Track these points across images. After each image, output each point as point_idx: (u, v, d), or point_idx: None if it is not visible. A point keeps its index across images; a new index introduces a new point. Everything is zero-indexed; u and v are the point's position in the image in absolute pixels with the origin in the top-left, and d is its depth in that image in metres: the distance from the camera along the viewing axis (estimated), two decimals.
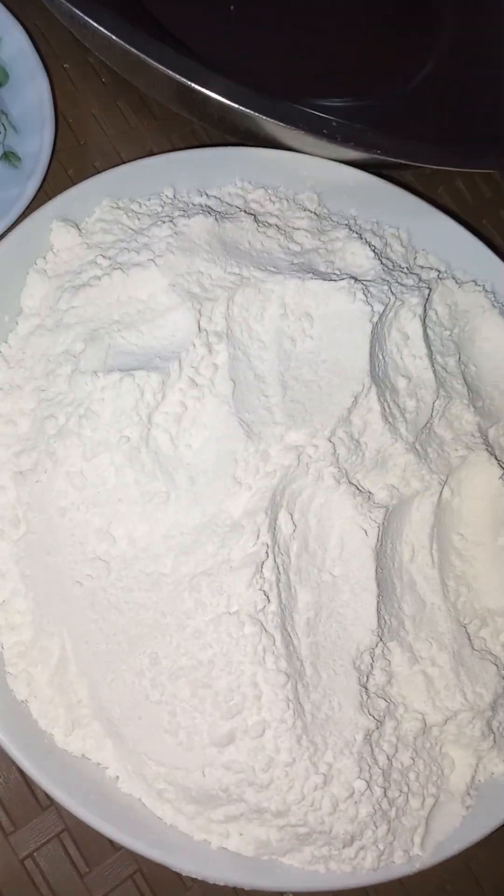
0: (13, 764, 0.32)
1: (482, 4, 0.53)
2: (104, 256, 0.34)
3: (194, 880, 0.33)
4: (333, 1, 0.51)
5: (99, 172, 0.41)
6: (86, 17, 0.33)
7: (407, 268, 0.40)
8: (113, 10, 0.34)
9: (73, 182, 0.41)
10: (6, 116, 0.39)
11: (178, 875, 0.33)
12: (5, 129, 0.39)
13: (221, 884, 0.28)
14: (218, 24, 0.47)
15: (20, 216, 0.36)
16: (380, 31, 0.52)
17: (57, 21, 0.42)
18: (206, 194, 0.38)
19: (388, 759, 0.31)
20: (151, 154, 0.43)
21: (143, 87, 0.41)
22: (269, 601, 0.30)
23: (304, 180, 0.40)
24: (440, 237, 0.42)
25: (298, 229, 0.38)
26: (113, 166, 0.42)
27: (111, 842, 0.33)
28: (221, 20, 0.47)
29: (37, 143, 0.38)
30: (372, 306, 0.34)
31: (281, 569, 0.31)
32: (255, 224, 0.36)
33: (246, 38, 0.47)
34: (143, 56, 0.33)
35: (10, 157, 0.38)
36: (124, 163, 0.42)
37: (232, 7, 0.48)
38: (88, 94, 0.43)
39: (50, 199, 0.37)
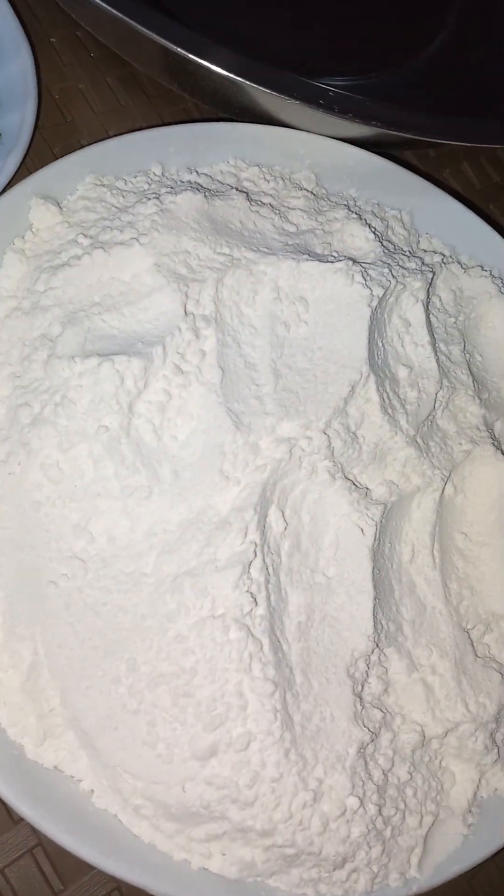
0: None
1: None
2: (85, 235, 0.32)
3: None
4: None
5: None
6: None
7: (409, 251, 0.38)
8: None
9: (58, 158, 0.39)
10: None
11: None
12: None
13: None
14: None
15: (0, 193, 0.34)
16: (386, 6, 0.50)
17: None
18: (197, 172, 0.36)
19: (383, 773, 0.29)
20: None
21: (133, 60, 0.39)
22: (256, 604, 0.28)
23: (301, 159, 0.38)
24: (445, 220, 0.40)
25: (294, 209, 0.36)
26: None
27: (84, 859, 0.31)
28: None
29: (18, 117, 0.36)
30: (371, 290, 0.32)
31: (270, 569, 0.29)
32: (248, 202, 0.34)
33: (245, 12, 0.45)
34: (131, 22, 0.31)
35: None
36: None
37: None
38: (76, 69, 0.41)
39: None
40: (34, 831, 0.31)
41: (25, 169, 0.36)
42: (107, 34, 0.38)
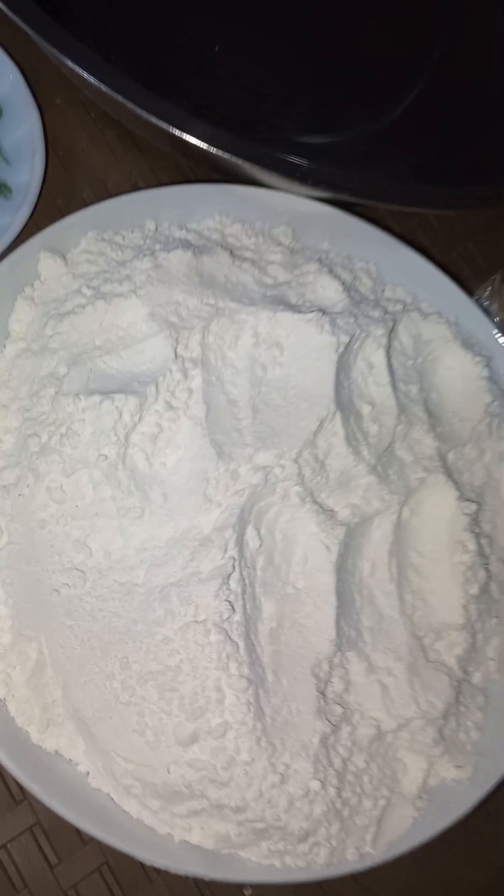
0: None
1: (469, 43, 0.55)
2: (88, 286, 0.36)
3: (158, 874, 0.35)
4: (313, 41, 0.54)
5: (86, 202, 0.44)
6: (74, 65, 0.36)
7: (374, 300, 0.43)
8: (99, 55, 0.36)
9: (62, 211, 0.44)
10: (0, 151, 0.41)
11: (143, 868, 0.35)
12: None
13: (183, 874, 0.30)
14: (202, 62, 0.50)
15: (10, 244, 0.39)
16: (358, 69, 0.54)
17: (49, 60, 0.44)
18: (187, 228, 0.40)
19: (342, 761, 0.33)
20: (137, 185, 0.46)
21: (128, 125, 0.44)
22: (234, 611, 0.32)
23: (280, 215, 0.42)
24: (407, 271, 0.44)
25: (272, 263, 0.40)
26: (100, 196, 0.44)
27: (80, 835, 0.35)
28: (206, 59, 0.50)
29: (27, 175, 0.40)
30: (338, 338, 0.37)
31: (247, 581, 0.33)
32: (231, 258, 0.39)
33: (228, 76, 0.50)
34: (127, 102, 0.36)
35: (1, 188, 0.40)
36: (110, 194, 0.45)
37: (217, 48, 0.51)
38: (78, 128, 0.46)
39: (39, 227, 0.40)
40: (32, 811, 0.34)
41: (33, 221, 0.40)
42: (105, 103, 0.42)
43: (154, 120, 0.34)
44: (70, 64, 0.35)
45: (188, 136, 0.34)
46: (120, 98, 0.35)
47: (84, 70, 0.35)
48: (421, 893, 0.40)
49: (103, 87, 0.34)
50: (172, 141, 0.38)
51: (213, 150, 0.35)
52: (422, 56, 0.55)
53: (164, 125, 0.34)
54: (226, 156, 0.35)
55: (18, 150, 0.41)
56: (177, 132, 0.34)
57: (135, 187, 0.46)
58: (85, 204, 0.44)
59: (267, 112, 0.49)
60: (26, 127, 0.41)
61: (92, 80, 0.34)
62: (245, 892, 0.37)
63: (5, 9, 0.36)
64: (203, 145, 0.35)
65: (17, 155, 0.41)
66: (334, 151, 0.51)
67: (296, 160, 0.36)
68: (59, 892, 0.34)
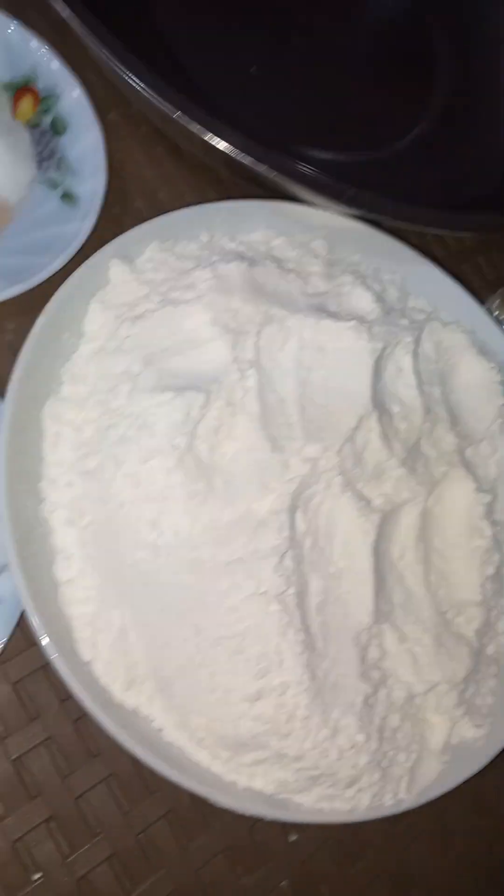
0: (68, 718, 0.38)
1: (476, 69, 0.60)
2: (156, 293, 0.40)
3: (216, 818, 0.40)
4: (336, 66, 0.58)
5: (141, 211, 0.48)
6: (136, 80, 0.39)
7: (401, 309, 0.47)
8: (157, 74, 0.40)
9: (119, 219, 0.47)
10: (65, 161, 0.45)
11: (202, 815, 0.39)
12: (64, 173, 0.44)
13: (248, 814, 0.35)
14: (236, 83, 0.54)
15: (77, 251, 0.42)
16: (374, 94, 0.59)
17: (104, 77, 0.48)
18: (237, 241, 0.44)
19: (381, 719, 0.38)
20: (184, 197, 0.49)
21: (178, 141, 0.48)
22: (289, 585, 0.36)
23: (317, 229, 0.47)
24: (429, 283, 0.49)
25: (312, 274, 0.45)
26: (151, 207, 0.48)
27: (147, 786, 0.39)
28: (242, 80, 0.54)
29: (91, 185, 0.44)
30: (374, 344, 0.41)
31: (298, 560, 0.38)
32: (279, 269, 0.43)
33: (259, 95, 0.54)
34: (187, 123, 0.40)
35: (68, 197, 0.44)
36: (161, 205, 0.48)
37: (252, 69, 0.55)
38: (130, 142, 0.49)
39: (99, 234, 0.43)
40: (106, 764, 0.38)
41: (94, 229, 0.44)
42: (157, 119, 0.46)
43: (228, 150, 0.38)
44: (137, 82, 0.38)
45: (253, 159, 0.38)
46: (186, 123, 0.39)
47: (150, 90, 0.39)
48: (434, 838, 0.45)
49: (171, 110, 0.38)
50: (225, 159, 0.42)
51: (271, 172, 0.40)
52: (430, 92, 0.60)
53: (227, 147, 0.38)
54: (285, 179, 0.39)
55: (82, 162, 0.44)
56: (241, 155, 0.38)
57: (182, 198, 0.49)
58: (139, 212, 0.48)
59: (287, 126, 0.53)
60: (90, 140, 0.44)
61: (158, 99, 0.38)
62: (290, 838, 0.41)
63: (86, 36, 0.39)
64: (262, 169, 0.39)
65: (82, 166, 0.44)
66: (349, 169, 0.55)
67: (341, 183, 0.40)
68: (132, 835, 0.38)
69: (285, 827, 0.41)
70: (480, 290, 0.55)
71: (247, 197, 0.46)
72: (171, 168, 0.50)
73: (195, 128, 0.40)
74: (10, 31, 0.44)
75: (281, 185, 0.44)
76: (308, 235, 0.47)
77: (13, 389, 0.36)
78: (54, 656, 0.33)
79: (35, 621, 0.34)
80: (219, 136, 0.40)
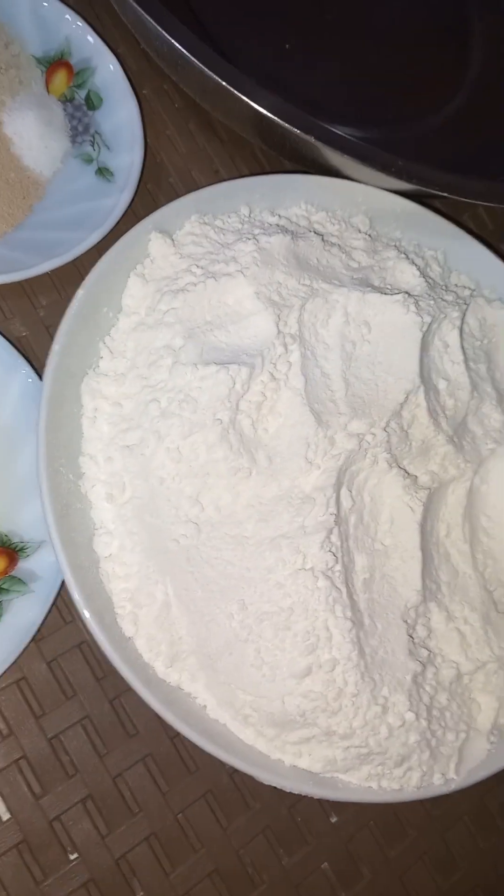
0: (104, 697, 0.37)
1: None
2: (198, 266, 0.39)
3: (257, 801, 0.39)
4: (371, 40, 0.57)
5: (174, 187, 0.47)
6: (182, 50, 0.39)
7: (444, 285, 0.46)
8: (200, 39, 0.39)
9: (152, 194, 0.47)
10: (100, 136, 0.44)
11: (242, 796, 0.39)
12: (99, 148, 0.44)
13: (295, 792, 0.34)
14: (271, 59, 0.53)
15: (113, 226, 0.41)
16: (411, 66, 0.58)
17: (137, 49, 0.47)
18: (278, 215, 0.43)
19: (430, 698, 0.37)
20: (218, 172, 0.49)
21: (217, 114, 0.47)
22: (336, 561, 0.36)
23: (358, 205, 0.46)
24: (471, 259, 0.48)
25: (356, 249, 0.44)
26: (185, 182, 0.47)
27: (186, 766, 0.38)
28: (276, 56, 0.53)
29: (128, 159, 0.43)
30: (422, 318, 0.40)
31: (344, 536, 0.37)
32: (322, 243, 0.42)
33: (293, 71, 0.53)
34: (232, 90, 0.39)
35: (103, 171, 0.43)
36: (194, 180, 0.48)
37: (287, 45, 0.54)
38: (164, 117, 0.48)
39: (133, 210, 0.43)
40: (145, 744, 0.38)
41: (130, 205, 0.43)
42: (196, 91, 0.45)
43: (268, 114, 0.37)
44: (183, 51, 0.38)
45: (300, 130, 0.37)
46: (232, 90, 0.38)
47: (197, 59, 0.38)
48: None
49: (217, 79, 0.38)
50: (268, 131, 0.41)
51: (318, 143, 0.39)
52: (467, 62, 0.59)
53: (277, 120, 0.38)
54: (329, 149, 0.38)
55: (118, 136, 0.44)
56: (289, 127, 0.38)
57: (216, 174, 0.49)
58: (172, 188, 0.47)
59: (325, 103, 0.52)
60: (125, 114, 0.44)
61: (205, 69, 0.37)
62: (331, 819, 0.40)
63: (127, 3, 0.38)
64: (311, 139, 0.39)
65: (117, 142, 0.44)
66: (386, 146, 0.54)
67: (390, 154, 0.39)
68: (171, 815, 0.38)
69: (326, 809, 0.41)
70: None
71: (282, 171, 0.45)
72: (204, 144, 0.49)
73: (238, 96, 0.39)
74: (44, 4, 0.44)
75: (321, 158, 0.43)
76: (349, 211, 0.46)
77: (52, 365, 0.36)
78: (96, 631, 0.33)
79: (77, 596, 0.33)
80: (265, 106, 0.39)
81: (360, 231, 0.45)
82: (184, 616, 0.35)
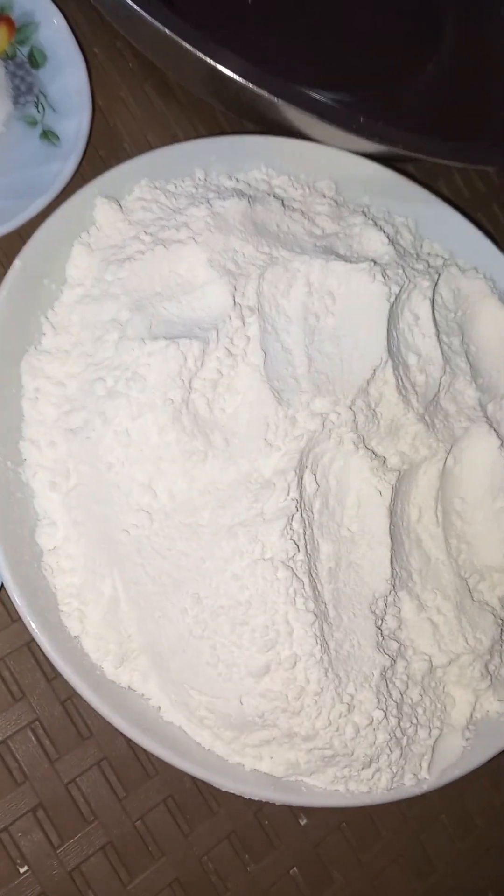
0: (55, 699, 0.35)
1: (482, 14, 0.56)
2: (146, 233, 0.36)
3: (220, 805, 0.37)
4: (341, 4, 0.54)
5: (128, 153, 0.44)
6: (130, 3, 0.36)
7: (416, 254, 0.44)
8: None
9: (105, 161, 0.43)
10: (45, 97, 0.41)
11: (205, 800, 0.37)
12: (44, 109, 0.41)
13: (256, 798, 0.32)
14: (232, 15, 0.50)
15: (60, 193, 0.38)
16: (385, 33, 0.55)
17: (87, 6, 0.44)
18: (235, 178, 0.40)
19: (400, 694, 0.34)
20: (176, 137, 0.46)
21: (172, 74, 0.44)
22: (298, 550, 0.33)
23: (322, 169, 0.43)
24: (445, 227, 0.45)
25: (319, 214, 0.41)
26: (140, 148, 0.44)
27: (145, 770, 0.36)
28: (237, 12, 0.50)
29: (75, 123, 0.40)
30: (389, 287, 0.38)
31: (307, 523, 0.34)
32: (283, 208, 0.39)
33: (259, 30, 0.50)
34: (184, 44, 0.36)
35: (49, 135, 0.40)
36: (150, 145, 0.45)
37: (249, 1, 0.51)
38: (117, 78, 0.45)
39: (83, 176, 0.40)
40: (99, 747, 0.35)
41: (78, 172, 0.40)
42: (149, 49, 0.42)
43: (223, 69, 0.34)
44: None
45: (255, 86, 0.35)
46: (183, 43, 0.35)
47: (144, 11, 0.35)
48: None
49: (168, 32, 0.35)
50: (226, 90, 0.38)
51: (278, 100, 0.36)
52: (440, 27, 0.56)
53: (232, 75, 0.35)
54: (289, 106, 0.36)
55: (65, 99, 0.41)
56: (244, 81, 0.35)
57: (174, 139, 0.46)
58: (127, 154, 0.44)
59: (295, 63, 0.49)
60: (72, 74, 0.41)
61: (156, 23, 0.34)
62: (300, 822, 0.38)
63: None
64: (268, 95, 0.36)
65: (64, 104, 0.41)
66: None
67: (353, 112, 0.37)
68: (129, 822, 0.35)
69: (295, 810, 0.38)
70: (498, 239, 0.51)
71: (243, 133, 0.42)
72: (160, 106, 0.46)
73: (192, 52, 0.36)
74: None
75: (283, 119, 0.40)
76: (313, 175, 0.43)
77: None
78: (37, 632, 0.30)
79: (15, 594, 0.31)
80: (218, 61, 0.36)
81: (324, 196, 0.42)
82: (133, 612, 0.32)
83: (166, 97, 0.46)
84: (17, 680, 0.35)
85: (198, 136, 0.46)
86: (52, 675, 0.35)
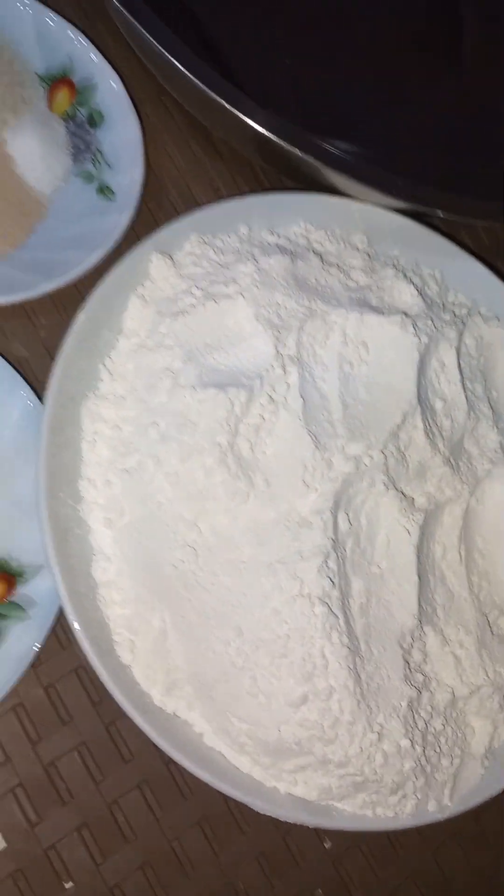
0: (101, 722, 0.37)
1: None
2: (197, 287, 0.39)
3: (249, 826, 0.39)
4: (370, 55, 0.57)
5: (174, 205, 0.47)
6: (180, 66, 0.39)
7: (442, 304, 0.46)
8: (201, 58, 0.39)
9: (153, 213, 0.46)
10: (101, 154, 0.44)
11: (235, 820, 0.39)
12: (100, 165, 0.44)
13: (291, 821, 0.34)
14: (271, 71, 0.53)
15: (114, 245, 0.41)
16: (405, 78, 0.57)
17: (137, 64, 0.47)
18: (277, 234, 0.43)
19: (425, 723, 0.37)
20: (218, 190, 0.48)
21: (217, 132, 0.47)
22: (333, 586, 0.35)
23: (356, 223, 0.46)
24: (468, 277, 0.48)
25: (354, 268, 0.44)
26: (185, 201, 0.47)
27: (181, 791, 0.38)
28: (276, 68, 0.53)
29: (129, 178, 0.43)
30: (420, 338, 0.40)
31: (341, 560, 0.37)
32: (321, 262, 0.42)
33: (295, 84, 0.53)
34: (228, 106, 0.39)
35: (104, 190, 0.43)
36: (195, 198, 0.47)
37: (288, 62, 0.53)
38: (163, 134, 0.48)
39: (133, 228, 0.43)
40: (140, 769, 0.38)
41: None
42: (196, 108, 0.45)
43: (267, 133, 0.37)
44: (177, 65, 0.38)
45: (300, 151, 0.37)
46: (227, 106, 0.38)
47: (191, 73, 0.38)
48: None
49: (212, 95, 0.38)
50: (270, 151, 0.41)
51: (319, 164, 0.39)
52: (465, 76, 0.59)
53: (276, 139, 0.38)
54: (329, 169, 0.38)
55: (119, 155, 0.43)
56: (288, 146, 0.37)
57: (216, 191, 0.48)
58: (172, 206, 0.47)
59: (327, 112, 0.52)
60: (127, 132, 0.43)
61: (202, 86, 0.37)
62: (325, 845, 0.40)
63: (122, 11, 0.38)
64: (312, 160, 0.39)
65: (118, 160, 0.43)
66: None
67: (392, 175, 0.39)
68: (165, 842, 0.38)
69: (320, 833, 0.40)
70: None
71: (282, 188, 0.45)
72: (204, 160, 0.49)
73: (236, 114, 0.39)
74: (48, 21, 0.43)
75: (319, 176, 0.43)
76: (347, 228, 0.46)
77: (53, 388, 0.35)
78: (94, 659, 0.33)
79: (76, 625, 0.33)
80: (260, 124, 0.39)
81: (357, 249, 0.45)
82: (180, 644, 0.34)
83: (209, 151, 0.49)
84: (65, 704, 0.37)
85: (238, 188, 0.49)
86: (97, 699, 0.38)
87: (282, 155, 0.41)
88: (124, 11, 0.39)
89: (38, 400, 0.38)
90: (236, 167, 0.49)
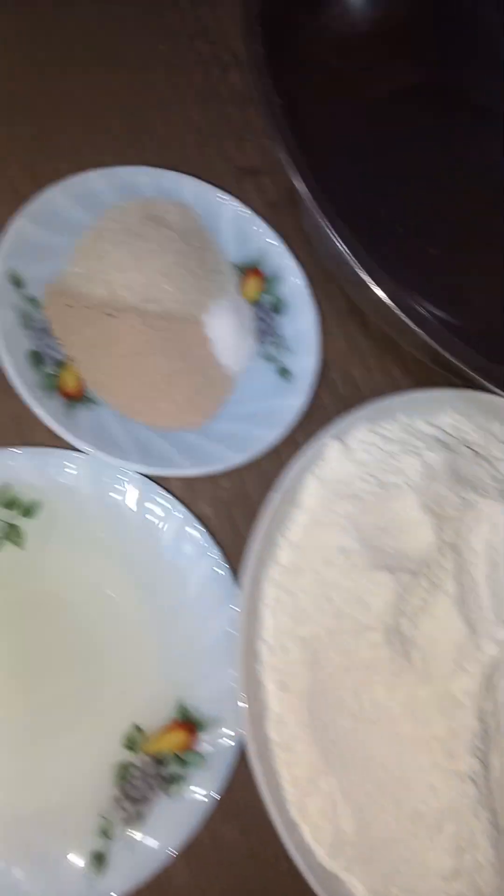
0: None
1: None
2: (370, 475, 0.44)
3: None
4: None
5: (335, 385, 0.53)
6: (371, 285, 0.44)
7: None
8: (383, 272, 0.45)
9: (318, 395, 0.52)
10: (282, 339, 0.50)
11: None
12: (281, 349, 0.50)
13: None
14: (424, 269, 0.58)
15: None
16: None
17: (311, 258, 0.53)
18: (432, 424, 0.49)
19: None
20: (371, 372, 0.54)
21: (381, 324, 0.53)
22: (484, 767, 0.39)
23: (497, 413, 0.51)
24: None
25: (499, 459, 0.49)
26: (345, 381, 0.53)
27: None
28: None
29: (305, 363, 0.49)
30: None
31: (486, 740, 0.40)
32: (473, 455, 0.47)
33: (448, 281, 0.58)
34: (416, 329, 0.45)
35: (284, 372, 0.49)
36: (354, 380, 0.53)
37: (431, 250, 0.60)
38: (329, 320, 0.54)
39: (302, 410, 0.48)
40: None
41: None
42: (370, 309, 0.51)
43: (454, 360, 0.43)
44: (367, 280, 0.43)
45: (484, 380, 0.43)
46: (428, 340, 0.43)
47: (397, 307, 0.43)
48: None
49: (410, 323, 0.43)
50: (426, 352, 0.47)
51: (475, 375, 0.44)
52: None
53: (461, 366, 0.43)
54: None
55: (298, 341, 0.50)
56: (475, 376, 0.43)
57: (370, 374, 0.54)
58: (335, 384, 0.53)
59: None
60: (306, 322, 0.50)
61: (404, 319, 0.43)
62: None
63: (315, 213, 0.44)
64: (470, 372, 0.44)
65: (297, 345, 0.50)
66: None
67: None
68: None
69: None
70: None
71: (431, 377, 0.50)
72: (362, 343, 0.55)
73: (410, 325, 0.45)
74: (243, 215, 0.50)
75: (470, 377, 0.48)
76: (491, 420, 0.51)
77: (251, 561, 0.40)
78: (274, 816, 0.36)
79: (261, 782, 0.37)
80: (434, 339, 0.45)
81: (500, 441, 0.50)
82: (346, 808, 0.38)
83: (366, 335, 0.55)
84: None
85: (389, 373, 0.54)
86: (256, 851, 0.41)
87: (443, 360, 0.46)
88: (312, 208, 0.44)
89: (223, 563, 0.43)
90: (387, 350, 0.55)
